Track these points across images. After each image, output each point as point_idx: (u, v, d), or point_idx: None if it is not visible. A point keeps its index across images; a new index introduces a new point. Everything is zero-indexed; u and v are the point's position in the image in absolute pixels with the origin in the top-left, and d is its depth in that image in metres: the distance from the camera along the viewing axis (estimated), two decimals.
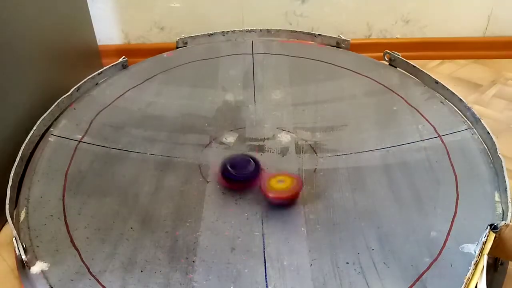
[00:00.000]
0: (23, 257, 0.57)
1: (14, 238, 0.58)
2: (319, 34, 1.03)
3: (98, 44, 1.09)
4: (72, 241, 0.61)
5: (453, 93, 0.85)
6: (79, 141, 0.77)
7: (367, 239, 0.61)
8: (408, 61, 0.94)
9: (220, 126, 0.83)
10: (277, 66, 0.98)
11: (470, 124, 0.79)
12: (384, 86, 0.91)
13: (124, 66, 0.96)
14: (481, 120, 0.77)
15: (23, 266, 0.59)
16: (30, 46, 0.81)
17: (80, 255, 0.59)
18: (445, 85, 0.87)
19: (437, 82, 0.88)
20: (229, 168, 0.69)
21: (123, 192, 0.69)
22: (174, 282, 0.56)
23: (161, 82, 0.93)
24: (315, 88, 0.92)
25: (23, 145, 0.72)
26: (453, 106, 0.84)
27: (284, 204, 0.66)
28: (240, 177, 0.69)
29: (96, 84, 0.91)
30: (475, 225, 0.62)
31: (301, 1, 1.16)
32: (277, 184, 0.66)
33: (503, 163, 0.68)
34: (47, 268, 0.57)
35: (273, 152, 0.77)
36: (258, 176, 0.69)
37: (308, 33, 1.03)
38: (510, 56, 1.21)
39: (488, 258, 0.54)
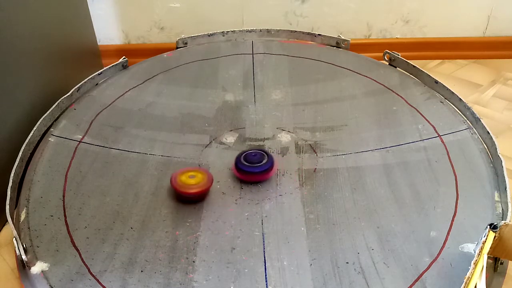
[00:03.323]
0: (24, 257, 0.57)
1: (14, 238, 0.58)
2: (319, 34, 1.03)
3: (98, 44, 1.09)
4: (72, 241, 0.61)
5: (452, 93, 0.85)
6: (79, 141, 0.77)
7: (367, 239, 0.61)
8: (408, 61, 0.94)
9: (220, 126, 0.83)
10: (277, 66, 0.98)
11: (470, 124, 0.79)
12: (384, 86, 0.91)
13: (124, 66, 0.96)
14: (481, 120, 0.77)
15: (23, 266, 0.59)
16: (30, 46, 0.81)
17: (80, 255, 0.59)
18: (445, 85, 0.87)
19: (437, 82, 0.88)
20: (243, 161, 0.71)
21: (123, 192, 0.69)
22: (174, 282, 0.57)
23: (161, 82, 0.93)
24: (315, 88, 0.92)
25: (23, 145, 0.72)
26: (453, 106, 0.84)
27: (194, 199, 0.67)
28: (253, 169, 0.70)
29: (96, 84, 0.91)
30: (475, 224, 0.62)
31: (301, 1, 1.16)
32: (188, 180, 0.66)
33: (503, 163, 0.68)
34: (47, 268, 0.57)
35: (273, 152, 0.77)
36: (271, 170, 0.71)
37: (308, 33, 1.03)
38: (510, 56, 1.21)
39: (488, 257, 0.54)
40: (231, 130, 0.82)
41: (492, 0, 1.16)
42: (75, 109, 0.84)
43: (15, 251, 0.61)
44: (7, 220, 0.61)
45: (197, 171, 0.68)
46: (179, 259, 0.59)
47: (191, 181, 0.66)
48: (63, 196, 0.68)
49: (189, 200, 0.67)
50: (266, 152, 0.72)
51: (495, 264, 0.59)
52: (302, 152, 0.77)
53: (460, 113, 0.82)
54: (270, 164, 0.70)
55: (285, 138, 0.80)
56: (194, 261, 0.59)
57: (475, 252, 0.53)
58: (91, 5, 1.08)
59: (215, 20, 1.17)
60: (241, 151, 0.73)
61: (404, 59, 0.94)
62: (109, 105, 0.86)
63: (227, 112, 0.86)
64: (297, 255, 0.60)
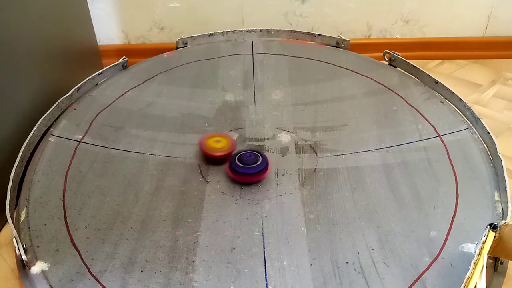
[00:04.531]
0: (24, 257, 0.57)
1: (14, 238, 0.58)
2: (319, 34, 1.03)
3: (98, 44, 1.09)
4: (72, 241, 0.61)
5: (452, 93, 0.85)
6: (79, 141, 0.77)
7: (367, 238, 0.61)
8: (408, 61, 0.94)
9: (220, 126, 0.83)
10: (277, 66, 0.98)
11: (470, 124, 0.79)
12: (384, 86, 0.91)
13: (124, 66, 0.96)
14: (480, 119, 0.77)
15: (23, 266, 0.59)
16: (30, 46, 0.81)
17: (80, 255, 0.59)
18: (445, 85, 0.87)
19: (436, 82, 0.88)
20: (237, 162, 0.70)
21: (123, 192, 0.69)
22: (174, 282, 0.57)
23: (161, 82, 0.93)
24: (315, 88, 0.92)
25: (23, 145, 0.72)
26: (453, 106, 0.84)
27: (218, 160, 0.73)
28: (246, 171, 0.70)
29: (96, 84, 0.91)
30: (475, 224, 0.62)
31: (301, 1, 1.16)
32: (215, 144, 0.74)
33: (503, 163, 0.68)
34: (47, 268, 0.57)
35: (273, 152, 0.77)
36: (265, 171, 0.70)
37: (308, 33, 1.03)
38: (510, 56, 1.21)
39: (488, 257, 0.54)
40: (231, 130, 0.82)
41: (492, 0, 1.16)
42: (75, 109, 0.84)
43: (15, 251, 0.61)
44: (7, 220, 0.61)
45: (222, 137, 0.75)
46: (179, 259, 0.59)
47: (217, 145, 0.73)
48: (63, 196, 0.68)
49: (214, 161, 0.74)
50: (260, 153, 0.72)
51: (495, 264, 0.59)
52: (302, 152, 0.77)
53: (460, 113, 0.82)
54: (265, 165, 0.70)
55: (285, 138, 0.80)
56: (194, 261, 0.59)
57: (475, 252, 0.53)
58: (91, 5, 1.08)
59: (215, 20, 1.17)
60: (235, 152, 0.72)
61: (404, 59, 0.94)
62: (109, 105, 0.86)
63: (227, 112, 0.86)
64: (297, 255, 0.60)
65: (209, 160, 0.74)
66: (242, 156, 0.71)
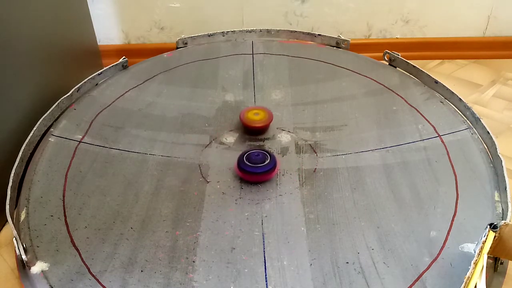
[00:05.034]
0: (24, 257, 0.57)
1: (14, 238, 0.58)
2: (319, 34, 1.03)
3: (98, 44, 1.09)
4: (72, 241, 0.61)
5: (452, 93, 0.85)
6: (79, 141, 0.77)
7: (367, 238, 0.61)
8: (408, 61, 0.94)
9: (220, 126, 0.83)
10: (277, 66, 0.98)
11: (470, 124, 0.79)
12: (384, 86, 0.91)
13: (124, 66, 0.96)
14: (481, 119, 0.77)
15: (23, 266, 0.59)
16: (30, 46, 0.81)
17: (80, 255, 0.59)
18: (445, 85, 0.87)
19: (436, 82, 0.88)
20: (245, 161, 0.71)
21: (123, 192, 0.69)
22: (174, 282, 0.57)
23: (161, 82, 0.93)
24: (315, 88, 0.92)
25: (23, 145, 0.72)
26: (453, 106, 0.84)
27: (258, 130, 0.80)
28: (255, 170, 0.70)
29: (96, 84, 0.91)
30: (475, 224, 0.62)
31: (301, 1, 1.16)
32: (254, 116, 0.80)
33: (503, 163, 0.68)
34: (47, 268, 0.57)
35: (273, 152, 0.77)
36: (273, 170, 0.71)
37: (308, 33, 1.03)
38: (510, 56, 1.21)
39: (488, 257, 0.54)
40: (231, 130, 0.82)
41: (492, 0, 1.16)
42: (75, 109, 0.84)
43: (15, 251, 0.61)
44: (7, 220, 0.61)
45: (260, 110, 0.82)
46: (179, 259, 0.59)
47: (256, 118, 0.80)
48: (63, 196, 0.68)
49: (254, 132, 0.81)
50: (268, 152, 0.72)
51: (495, 264, 0.59)
52: (302, 152, 0.77)
53: (460, 113, 0.82)
54: (273, 164, 0.70)
55: (285, 138, 0.80)
56: (194, 261, 0.59)
57: (475, 252, 0.53)
58: (91, 5, 1.08)
59: (215, 20, 1.17)
60: (243, 151, 0.72)
61: (404, 59, 0.94)
62: (109, 105, 0.86)
63: (227, 112, 0.86)
64: (297, 255, 0.60)
65: (249, 131, 0.80)
66: (250, 155, 0.71)
